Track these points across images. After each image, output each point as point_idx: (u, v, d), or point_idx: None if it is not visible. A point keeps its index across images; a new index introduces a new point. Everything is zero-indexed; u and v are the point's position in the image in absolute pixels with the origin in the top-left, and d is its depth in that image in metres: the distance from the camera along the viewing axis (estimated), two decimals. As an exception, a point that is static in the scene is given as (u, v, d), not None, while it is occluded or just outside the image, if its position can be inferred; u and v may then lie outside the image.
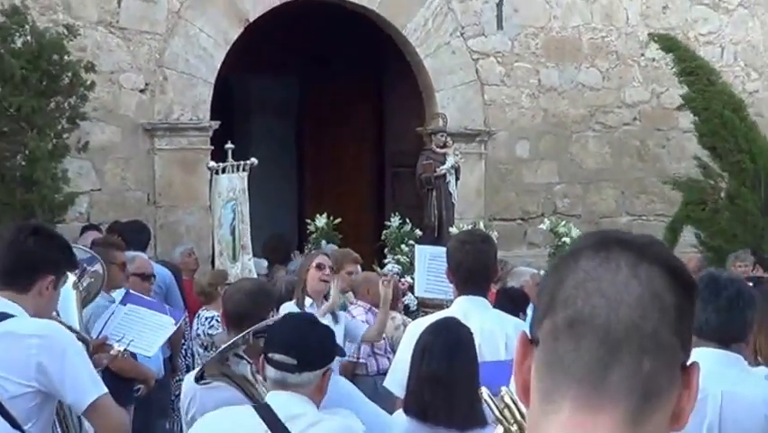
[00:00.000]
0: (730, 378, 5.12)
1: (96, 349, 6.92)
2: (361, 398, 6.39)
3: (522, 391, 1.94)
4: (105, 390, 5.66)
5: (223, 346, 6.11)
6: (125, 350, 8.14)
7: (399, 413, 6.15)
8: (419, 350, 6.15)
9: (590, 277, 1.86)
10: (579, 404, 1.82)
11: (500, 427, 4.15)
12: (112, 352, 7.61)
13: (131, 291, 9.71)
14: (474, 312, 6.94)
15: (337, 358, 8.69)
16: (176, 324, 9.19)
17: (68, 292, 6.46)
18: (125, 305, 8.76)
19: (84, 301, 7.10)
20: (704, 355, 5.14)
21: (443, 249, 9.14)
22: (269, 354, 5.17)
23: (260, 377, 5.47)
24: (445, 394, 5.83)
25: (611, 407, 1.82)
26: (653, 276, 1.86)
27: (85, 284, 7.02)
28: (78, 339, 6.39)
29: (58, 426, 6.09)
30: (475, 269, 7.25)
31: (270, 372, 5.16)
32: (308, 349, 5.18)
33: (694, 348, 4.97)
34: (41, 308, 5.82)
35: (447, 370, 5.90)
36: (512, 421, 3.98)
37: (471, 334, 6.20)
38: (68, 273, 6.34)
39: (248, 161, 16.59)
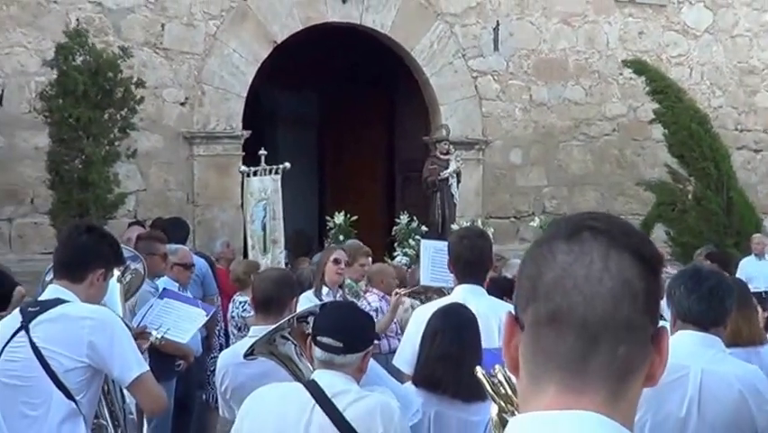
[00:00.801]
0: (709, 357, 5.16)
1: (137, 336, 6.94)
2: (387, 375, 6.39)
3: (512, 367, 1.94)
4: (147, 368, 5.71)
5: (271, 328, 6.11)
6: (162, 337, 8.16)
7: (408, 385, 6.15)
8: (430, 331, 6.10)
9: (567, 274, 1.83)
10: (562, 388, 1.82)
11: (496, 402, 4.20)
12: (150, 339, 7.63)
13: (167, 288, 9.62)
14: (472, 298, 6.89)
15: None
16: (207, 315, 9.10)
17: (113, 285, 6.42)
18: (162, 299, 8.69)
19: (126, 295, 7.13)
20: (687, 337, 5.20)
21: (445, 243, 9.13)
22: (318, 337, 5.14)
23: (303, 357, 5.47)
24: (454, 370, 5.81)
25: (592, 391, 1.82)
26: (623, 266, 1.84)
27: (127, 279, 7.02)
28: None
29: (102, 399, 6.13)
30: (472, 261, 7.19)
31: (318, 353, 5.12)
32: (353, 334, 5.17)
33: (679, 331, 5.04)
34: (91, 296, 5.84)
35: (456, 349, 5.89)
36: (503, 395, 4.03)
37: (476, 317, 6.18)
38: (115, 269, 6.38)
39: (281, 165, 16.63)
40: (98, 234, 6.13)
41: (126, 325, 6.49)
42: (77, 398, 5.59)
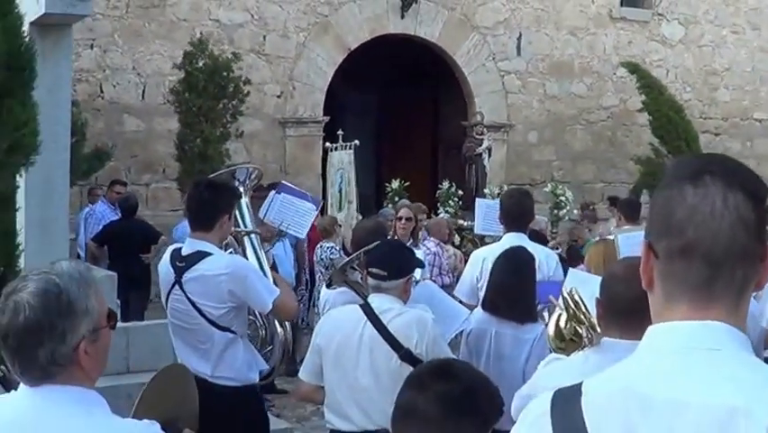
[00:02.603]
0: None
1: (264, 234, 6.80)
2: (442, 294, 6.35)
3: (647, 284, 1.89)
4: (278, 292, 5.63)
5: (344, 261, 6.15)
6: (284, 231, 7.89)
7: (478, 309, 6.11)
8: (495, 267, 6.10)
9: (695, 212, 1.80)
10: (692, 306, 1.81)
11: (553, 319, 4.19)
12: (274, 231, 7.34)
13: (283, 182, 9.18)
14: (517, 243, 6.86)
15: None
16: (316, 209, 8.59)
17: (241, 204, 6.27)
18: (280, 194, 8.04)
19: (257, 184, 6.86)
20: None
21: (495, 201, 9.09)
22: (369, 268, 5.25)
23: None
24: (509, 298, 5.79)
25: (717, 306, 1.80)
26: (739, 203, 1.80)
27: (253, 176, 6.74)
28: (251, 232, 6.31)
29: (257, 314, 6.14)
30: (518, 214, 7.15)
31: (370, 280, 5.22)
32: (394, 265, 5.21)
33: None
34: (223, 235, 5.79)
35: (511, 281, 5.85)
36: (577, 311, 4.03)
37: (533, 257, 6.13)
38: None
39: (352, 143, 16.62)
40: (216, 187, 5.89)
41: (255, 231, 6.41)
42: (233, 328, 5.63)
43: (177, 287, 5.65)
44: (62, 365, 2.62)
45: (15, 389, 2.76)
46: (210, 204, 5.71)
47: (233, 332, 5.63)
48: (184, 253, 5.71)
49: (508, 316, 5.77)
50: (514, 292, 5.82)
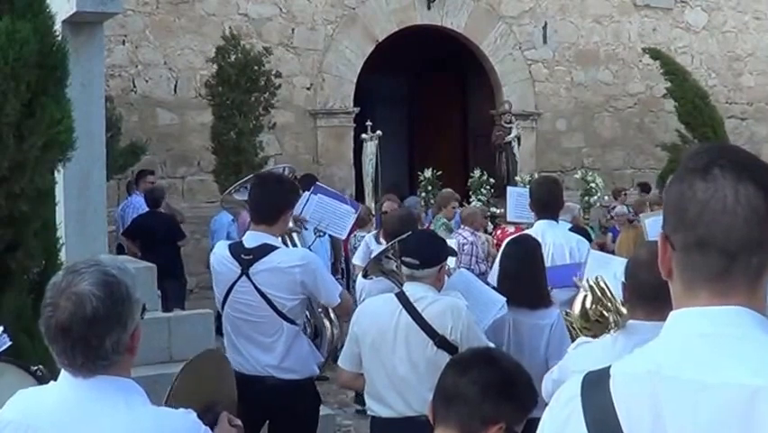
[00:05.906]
0: None
1: (295, 220, 6.78)
2: (477, 282, 6.33)
3: (666, 273, 1.92)
4: (341, 288, 5.85)
5: (379, 251, 6.16)
6: (323, 231, 7.84)
7: None
8: (505, 254, 6.09)
9: (707, 208, 1.81)
10: (712, 293, 1.83)
11: (578, 300, 4.19)
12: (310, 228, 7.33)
13: (318, 183, 8.95)
14: (548, 230, 6.84)
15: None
16: (356, 212, 8.37)
17: None
18: (316, 195, 7.76)
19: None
20: None
21: (526, 189, 9.05)
22: (403, 258, 5.26)
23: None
24: (519, 286, 5.75)
25: (735, 293, 1.82)
26: (750, 196, 1.81)
27: (287, 174, 6.71)
28: (295, 231, 6.42)
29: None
30: (548, 201, 7.13)
31: (404, 269, 5.24)
32: (427, 254, 5.22)
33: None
34: (284, 230, 5.89)
35: (520, 269, 5.85)
36: (603, 298, 4.02)
37: (539, 244, 6.13)
38: None
39: (377, 133, 16.55)
40: (281, 182, 6.02)
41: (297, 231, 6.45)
42: (297, 321, 5.71)
43: (243, 279, 5.65)
44: (120, 353, 2.67)
45: None
46: (276, 198, 5.79)
47: (297, 324, 5.70)
48: (248, 246, 5.72)
49: (520, 302, 5.75)
50: (523, 278, 5.83)
